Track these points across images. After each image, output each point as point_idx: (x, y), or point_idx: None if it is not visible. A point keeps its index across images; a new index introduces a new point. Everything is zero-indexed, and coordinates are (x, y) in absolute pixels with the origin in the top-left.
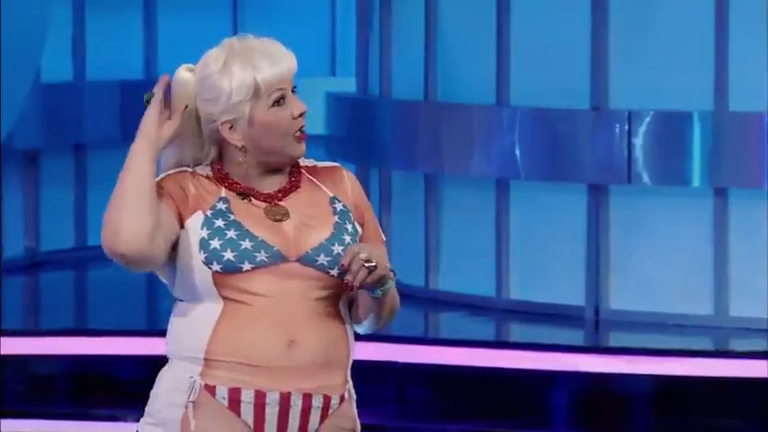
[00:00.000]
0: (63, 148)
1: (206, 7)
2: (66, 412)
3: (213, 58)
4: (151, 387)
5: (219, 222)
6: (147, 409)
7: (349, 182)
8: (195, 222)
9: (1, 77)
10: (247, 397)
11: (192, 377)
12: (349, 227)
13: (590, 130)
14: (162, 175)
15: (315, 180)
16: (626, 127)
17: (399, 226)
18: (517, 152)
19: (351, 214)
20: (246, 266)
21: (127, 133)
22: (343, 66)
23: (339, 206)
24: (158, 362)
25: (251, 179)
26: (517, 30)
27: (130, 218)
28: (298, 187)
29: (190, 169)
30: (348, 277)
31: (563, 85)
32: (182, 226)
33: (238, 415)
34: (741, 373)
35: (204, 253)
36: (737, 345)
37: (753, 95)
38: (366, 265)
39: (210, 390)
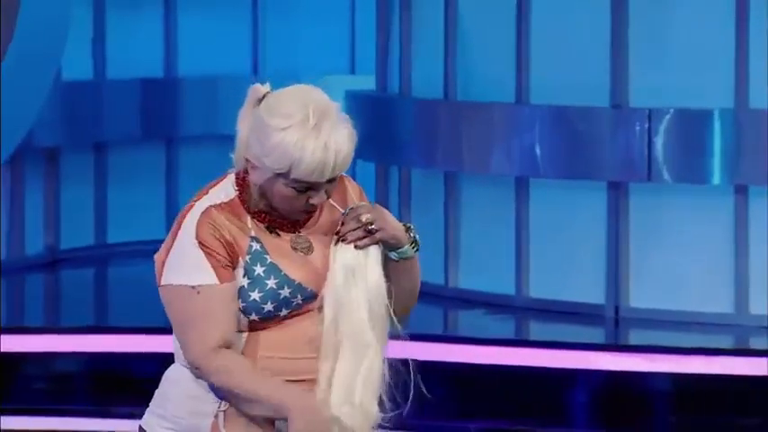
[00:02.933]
0: (83, 145)
1: (226, 5)
2: (85, 409)
3: (289, 112)
4: None
5: (258, 269)
6: (157, 410)
7: (350, 188)
8: (239, 269)
9: (22, 76)
10: None
11: None
12: None
13: (610, 128)
14: (196, 223)
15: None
16: (646, 125)
17: (419, 224)
18: (537, 150)
19: None
20: (284, 312)
21: (147, 131)
22: (362, 64)
23: None
24: None
25: (270, 209)
26: (537, 28)
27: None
28: (314, 210)
29: (212, 203)
30: (342, 229)
31: (583, 83)
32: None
33: (272, 422)
34: (761, 371)
35: (243, 302)
36: (757, 343)
37: None
38: (366, 225)
39: None
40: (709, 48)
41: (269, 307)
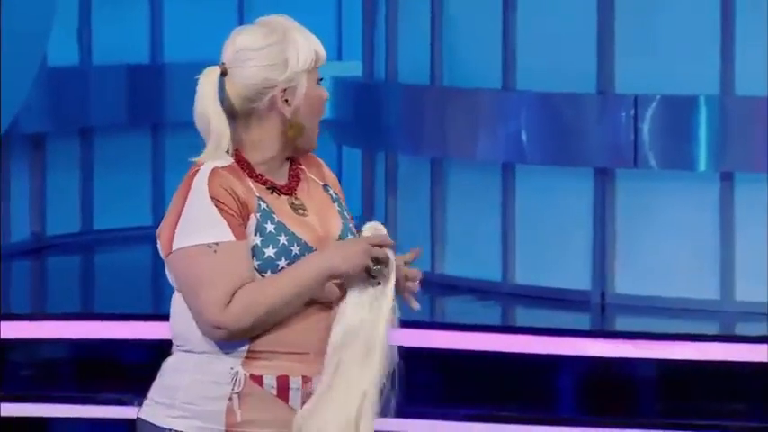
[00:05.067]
0: (69, 132)
1: None
2: (71, 396)
3: (267, 30)
4: (157, 371)
5: (269, 227)
6: (162, 400)
7: (326, 168)
8: (250, 227)
9: (7, 62)
10: (296, 383)
11: (233, 368)
12: (345, 213)
13: (596, 114)
14: (207, 182)
15: (304, 168)
16: (632, 111)
17: (405, 210)
18: (523, 136)
19: (340, 199)
20: None
21: (133, 117)
22: (349, 50)
23: (332, 193)
24: (164, 346)
25: (270, 170)
26: (523, 14)
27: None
28: (300, 178)
29: (215, 164)
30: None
31: (569, 69)
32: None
33: (286, 401)
34: (746, 358)
35: (257, 260)
36: (743, 329)
37: (759, 80)
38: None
39: (257, 380)
40: (695, 34)
41: (283, 263)
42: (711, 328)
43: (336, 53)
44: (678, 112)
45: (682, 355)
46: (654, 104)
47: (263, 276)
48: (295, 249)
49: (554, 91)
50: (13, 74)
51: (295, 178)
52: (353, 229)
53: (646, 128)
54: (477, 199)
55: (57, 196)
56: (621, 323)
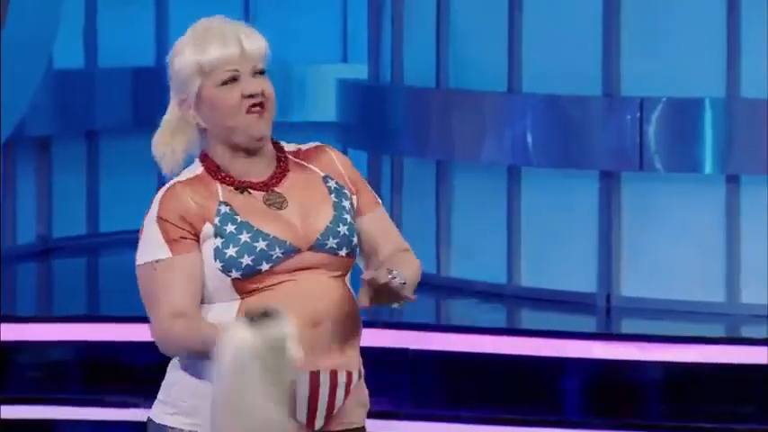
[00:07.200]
0: (75, 134)
1: None
2: (78, 398)
3: (178, 44)
4: (163, 373)
5: (230, 227)
6: (161, 398)
7: (336, 158)
8: (206, 233)
9: (13, 65)
10: None
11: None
12: (346, 204)
13: (602, 116)
14: (160, 200)
15: (303, 162)
16: (638, 114)
17: (411, 213)
18: (529, 139)
19: (346, 191)
20: (265, 267)
21: (139, 120)
22: (354, 52)
23: (332, 184)
24: None
25: (238, 166)
26: (529, 16)
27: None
28: (288, 171)
29: (179, 179)
30: (377, 281)
31: (575, 71)
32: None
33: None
34: (752, 360)
35: (221, 261)
36: (749, 331)
37: (764, 82)
38: (396, 281)
39: None
40: (701, 36)
41: (247, 261)
42: (717, 331)
43: (342, 55)
44: (684, 114)
45: (687, 358)
46: (659, 107)
47: (229, 276)
48: (261, 245)
49: (560, 93)
50: (19, 77)
51: (280, 172)
52: (348, 219)
53: (651, 130)
54: (482, 201)
55: (63, 199)
56: (627, 326)
